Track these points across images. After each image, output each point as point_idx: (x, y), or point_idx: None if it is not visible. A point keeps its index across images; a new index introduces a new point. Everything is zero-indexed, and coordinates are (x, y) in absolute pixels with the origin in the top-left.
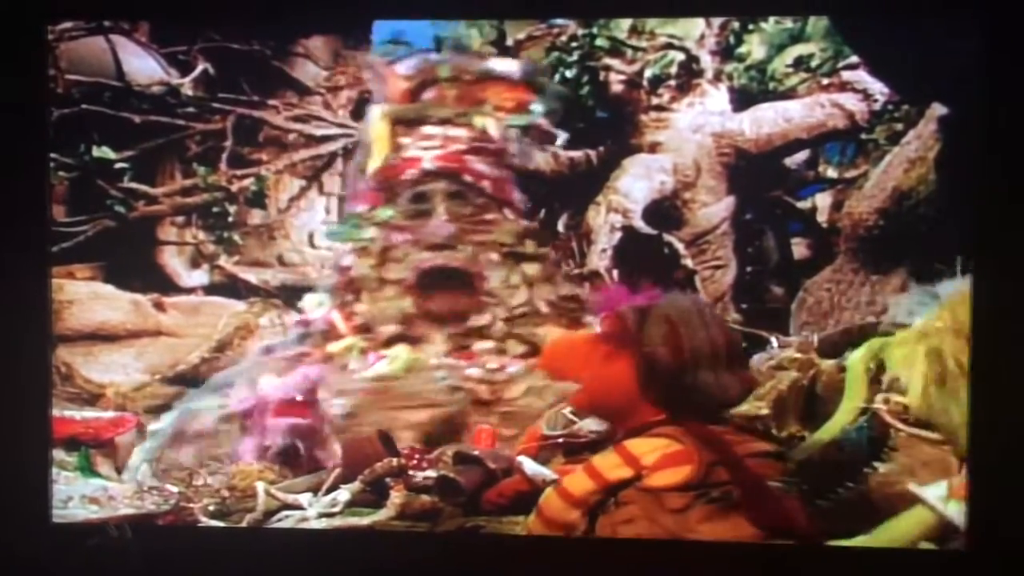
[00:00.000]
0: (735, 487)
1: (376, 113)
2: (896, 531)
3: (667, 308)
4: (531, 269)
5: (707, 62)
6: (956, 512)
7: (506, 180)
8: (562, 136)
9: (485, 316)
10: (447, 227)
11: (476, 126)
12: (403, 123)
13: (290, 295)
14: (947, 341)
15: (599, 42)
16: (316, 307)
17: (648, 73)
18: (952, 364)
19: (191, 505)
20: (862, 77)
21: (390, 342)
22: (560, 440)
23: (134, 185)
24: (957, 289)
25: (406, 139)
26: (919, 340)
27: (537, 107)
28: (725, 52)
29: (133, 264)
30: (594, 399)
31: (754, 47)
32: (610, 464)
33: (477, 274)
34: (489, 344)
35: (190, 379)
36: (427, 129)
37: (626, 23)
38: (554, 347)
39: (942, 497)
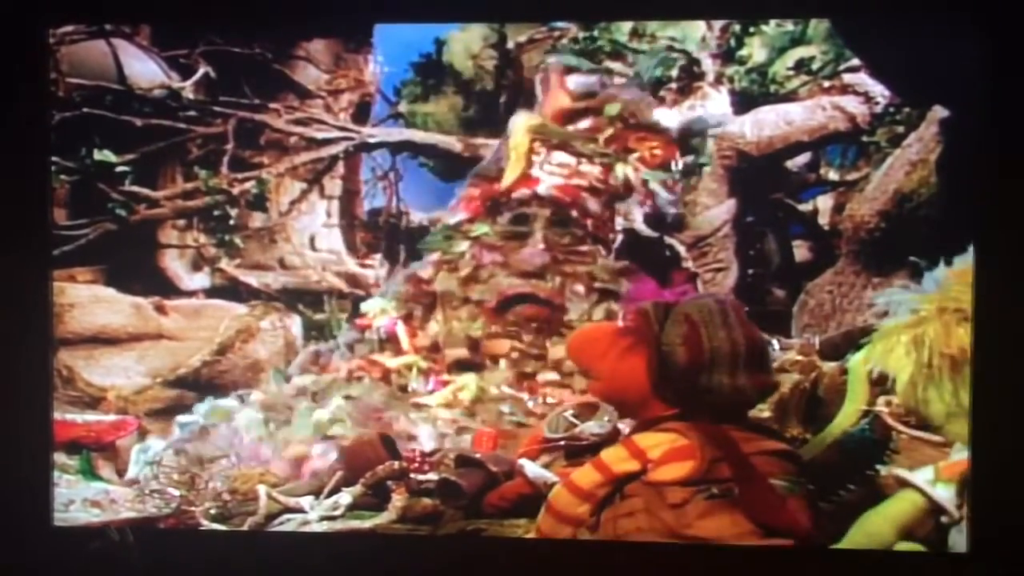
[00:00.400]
0: (735, 484)
1: (521, 124)
2: (885, 515)
3: (690, 307)
4: (617, 307)
5: (708, 65)
6: (945, 494)
7: (608, 221)
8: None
9: (556, 349)
10: (542, 255)
11: (615, 173)
12: (543, 141)
13: (291, 298)
14: (930, 330)
15: (600, 45)
16: (379, 314)
17: (649, 76)
18: (935, 353)
19: (192, 508)
20: (863, 80)
21: (454, 368)
22: (562, 443)
23: (135, 188)
24: (937, 279)
25: (536, 156)
26: (900, 332)
27: (678, 166)
28: (726, 55)
29: (134, 267)
30: (609, 390)
31: (755, 50)
32: (617, 457)
33: (560, 306)
34: (554, 376)
35: (191, 382)
36: (561, 156)
37: (627, 26)
38: (578, 336)
39: (930, 480)
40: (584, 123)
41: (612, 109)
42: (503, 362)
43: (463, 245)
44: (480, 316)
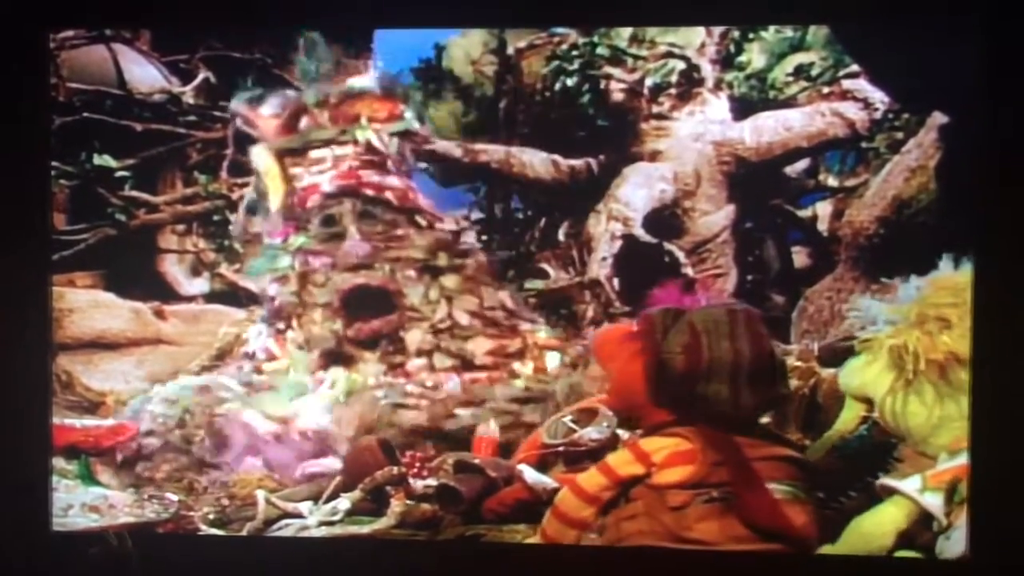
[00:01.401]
0: (733, 488)
1: (261, 151)
2: (871, 523)
3: (696, 316)
4: (449, 282)
5: (707, 71)
6: (933, 502)
7: (409, 188)
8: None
9: (412, 333)
10: (362, 246)
11: (359, 140)
12: (290, 154)
13: None
14: (911, 340)
15: (600, 51)
16: (256, 336)
17: (649, 82)
18: (920, 363)
19: (191, 513)
20: (862, 86)
21: (325, 365)
22: (561, 449)
23: (135, 193)
24: (915, 289)
25: (298, 169)
26: (876, 349)
27: (409, 113)
28: (725, 61)
29: (134, 272)
30: (615, 392)
31: (754, 56)
32: (623, 461)
33: (397, 291)
34: (421, 361)
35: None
36: (315, 154)
37: (627, 32)
38: (600, 335)
39: (918, 489)
40: (303, 123)
41: (310, 98)
42: (368, 355)
43: (287, 259)
44: (332, 317)
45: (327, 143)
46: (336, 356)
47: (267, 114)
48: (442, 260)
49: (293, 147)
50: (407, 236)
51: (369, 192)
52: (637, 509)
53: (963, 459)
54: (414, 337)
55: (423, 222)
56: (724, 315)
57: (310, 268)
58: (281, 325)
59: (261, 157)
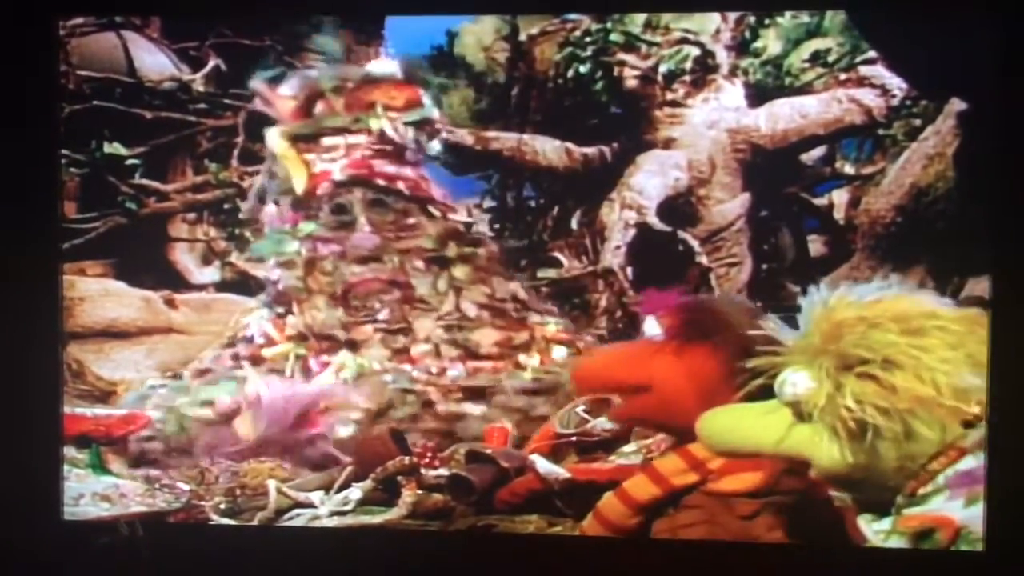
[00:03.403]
0: (799, 495)
1: (275, 135)
2: None
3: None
4: (458, 272)
5: (722, 57)
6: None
7: (421, 178)
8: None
9: (419, 325)
10: (372, 238)
11: (372, 129)
12: (303, 140)
13: None
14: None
15: (613, 37)
16: (256, 320)
17: (663, 68)
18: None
19: (202, 503)
20: (880, 72)
21: (330, 349)
22: (573, 438)
23: (145, 181)
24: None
25: (310, 155)
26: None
27: (427, 101)
28: (741, 47)
29: (144, 261)
30: (660, 415)
31: (770, 42)
32: (676, 469)
33: (405, 284)
34: (426, 347)
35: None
36: (327, 141)
37: (640, 18)
38: (592, 366)
39: (885, 532)
40: (318, 108)
41: (327, 83)
42: (374, 342)
43: (295, 244)
44: (336, 305)
45: (340, 131)
46: (341, 342)
47: (285, 94)
48: (452, 250)
49: (306, 133)
50: (418, 225)
51: (381, 181)
52: (697, 517)
53: (929, 506)
54: (422, 326)
55: (436, 212)
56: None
57: (318, 255)
58: (281, 310)
59: (275, 140)
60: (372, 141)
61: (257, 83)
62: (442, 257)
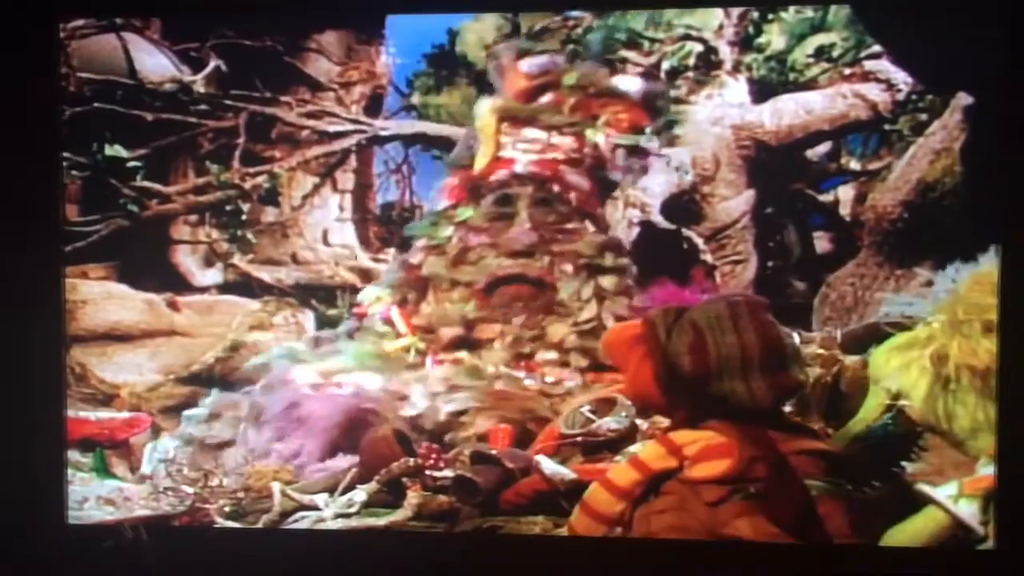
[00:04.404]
0: (768, 484)
1: (485, 106)
2: (908, 533)
3: (697, 314)
4: (606, 282)
5: (726, 53)
6: (968, 510)
7: (593, 193)
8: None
9: (552, 328)
10: (529, 235)
11: (587, 139)
12: (510, 121)
13: (304, 293)
14: (953, 344)
15: (616, 34)
16: (375, 302)
17: (666, 65)
18: (960, 367)
19: (207, 506)
20: (885, 67)
21: (451, 346)
22: (579, 439)
23: (147, 184)
24: (953, 286)
25: (506, 138)
26: (916, 346)
27: (648, 130)
28: (744, 42)
29: (147, 263)
30: (633, 394)
31: (774, 37)
32: (655, 455)
33: (551, 285)
34: (553, 355)
35: (205, 379)
36: (531, 132)
37: (643, 14)
38: (609, 335)
39: (952, 496)
40: (545, 98)
41: (570, 79)
42: (498, 343)
43: (448, 230)
44: (471, 297)
45: (550, 128)
46: (463, 341)
47: (524, 70)
48: (608, 260)
49: (517, 115)
50: (576, 231)
51: (557, 187)
52: (669, 503)
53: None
54: (555, 331)
55: (593, 228)
56: (725, 308)
57: (468, 245)
58: (413, 296)
59: (484, 109)
60: (574, 148)
61: (503, 49)
62: (594, 265)
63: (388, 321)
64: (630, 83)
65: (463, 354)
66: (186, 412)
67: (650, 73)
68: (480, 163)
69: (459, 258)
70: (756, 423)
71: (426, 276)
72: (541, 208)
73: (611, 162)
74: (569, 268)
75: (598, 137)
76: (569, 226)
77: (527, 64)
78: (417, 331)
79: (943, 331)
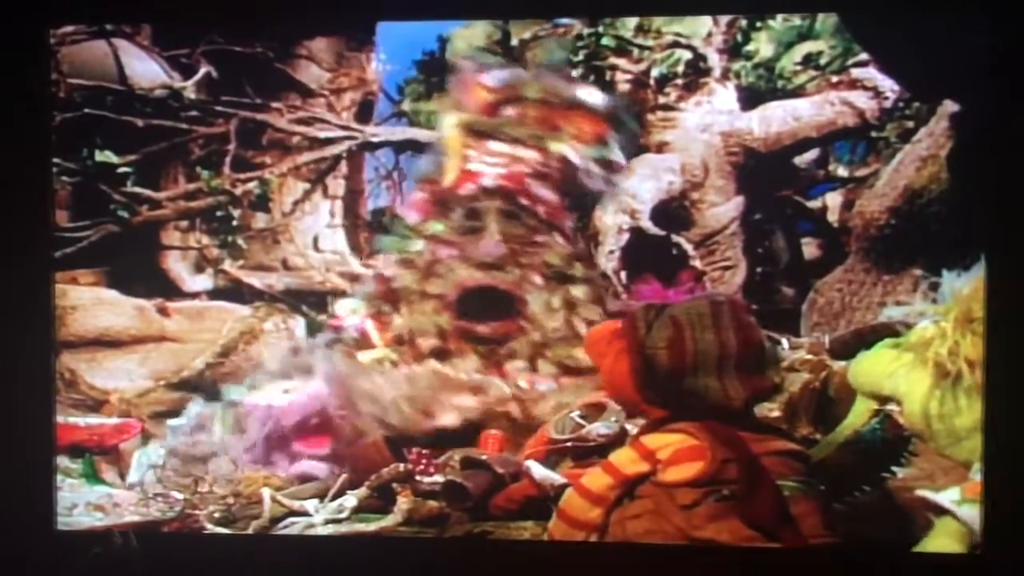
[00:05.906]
0: (741, 485)
1: (450, 121)
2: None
3: (678, 310)
4: (576, 291)
5: (715, 60)
6: (970, 514)
7: (561, 206)
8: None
9: (521, 341)
10: (499, 247)
11: (552, 151)
12: (474, 135)
13: (295, 299)
14: (944, 348)
15: (605, 41)
16: (350, 313)
17: (655, 72)
18: (954, 370)
19: (196, 512)
20: (872, 74)
21: (424, 356)
22: (568, 444)
23: (137, 189)
24: (952, 291)
25: (471, 152)
26: (911, 351)
27: (612, 141)
28: (733, 50)
29: (137, 269)
30: (610, 390)
31: (762, 45)
32: (628, 459)
33: (520, 298)
34: (521, 364)
35: (195, 385)
36: (495, 145)
37: (632, 22)
38: (592, 332)
39: (956, 501)
40: (508, 111)
41: (531, 91)
42: (472, 354)
43: (419, 244)
44: (442, 310)
45: (515, 141)
46: (436, 351)
47: (486, 84)
48: (577, 270)
49: (482, 129)
50: (545, 244)
51: (525, 200)
52: (644, 507)
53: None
54: (522, 343)
55: (562, 241)
56: (707, 307)
57: (437, 257)
58: (387, 308)
59: (448, 123)
60: (540, 161)
61: (465, 61)
62: (563, 274)
63: (363, 333)
64: (592, 95)
65: (435, 363)
66: (170, 421)
67: (611, 83)
68: (448, 177)
69: (429, 270)
70: (728, 424)
71: (397, 288)
72: (510, 221)
73: (579, 173)
74: (538, 279)
75: (565, 148)
76: (538, 239)
77: (488, 77)
78: (390, 343)
79: (931, 336)
